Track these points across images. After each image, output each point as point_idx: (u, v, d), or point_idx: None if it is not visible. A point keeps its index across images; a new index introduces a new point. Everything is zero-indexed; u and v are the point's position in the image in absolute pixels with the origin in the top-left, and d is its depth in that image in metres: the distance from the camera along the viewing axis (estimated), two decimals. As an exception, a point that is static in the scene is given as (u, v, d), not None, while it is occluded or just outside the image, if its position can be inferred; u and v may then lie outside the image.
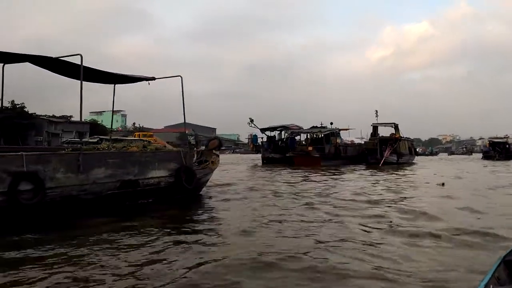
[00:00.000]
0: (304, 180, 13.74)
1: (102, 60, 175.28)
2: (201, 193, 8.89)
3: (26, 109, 55.36)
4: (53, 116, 67.37)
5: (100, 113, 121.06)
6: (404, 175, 16.05)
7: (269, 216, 6.31)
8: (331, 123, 28.86)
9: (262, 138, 29.74)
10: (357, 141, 31.50)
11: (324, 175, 16.42)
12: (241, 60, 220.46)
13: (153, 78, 7.76)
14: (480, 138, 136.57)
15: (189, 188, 7.39)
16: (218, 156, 9.23)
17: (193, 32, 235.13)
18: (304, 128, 29.74)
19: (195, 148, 9.16)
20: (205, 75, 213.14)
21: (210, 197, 8.54)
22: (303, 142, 28.58)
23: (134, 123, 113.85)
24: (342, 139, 30.32)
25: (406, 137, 30.73)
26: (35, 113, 58.27)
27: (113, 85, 8.29)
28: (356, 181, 13.71)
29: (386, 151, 26.62)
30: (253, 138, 30.06)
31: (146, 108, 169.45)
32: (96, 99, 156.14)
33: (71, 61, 6.22)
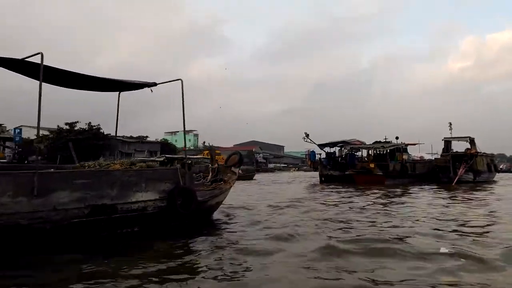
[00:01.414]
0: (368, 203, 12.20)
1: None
2: (214, 217, 7.81)
3: (101, 130, 58.72)
4: (128, 137, 71.03)
5: (174, 133, 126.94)
6: (480, 199, 13.72)
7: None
8: (397, 138, 26.58)
9: (320, 154, 28.19)
10: (427, 157, 28.68)
11: (388, 196, 14.69)
12: (309, 77, 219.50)
13: (155, 84, 7.05)
14: None
15: (185, 213, 6.15)
16: (235, 174, 8.13)
17: (261, 51, 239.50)
18: (367, 144, 27.74)
19: (210, 165, 8.08)
20: (273, 94, 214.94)
21: (222, 226, 7.13)
22: (365, 159, 26.59)
23: (204, 142, 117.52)
24: (409, 155, 27.81)
25: (484, 152, 27.36)
26: (110, 134, 61.81)
27: (118, 93, 7.69)
28: (420, 205, 11.89)
29: (460, 168, 23.78)
30: (311, 154, 28.59)
31: (219, 128, 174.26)
32: (169, 121, 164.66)
33: (47, 64, 5.31)
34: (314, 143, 27.21)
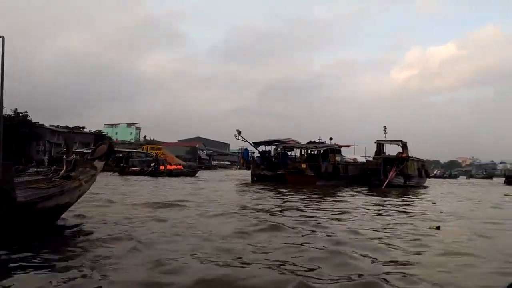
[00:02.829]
0: (277, 205, 11.06)
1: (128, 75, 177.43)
2: (66, 224, 6.05)
3: (29, 118, 54.26)
4: (58, 126, 66.38)
5: (115, 125, 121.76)
6: (401, 204, 13.08)
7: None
8: (331, 138, 26.07)
9: (253, 153, 27.07)
10: (360, 159, 28.52)
11: (308, 198, 13.72)
12: (261, 79, 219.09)
13: None
14: (501, 162, 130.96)
15: None
16: (95, 168, 6.40)
17: (216, 49, 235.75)
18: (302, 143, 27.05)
19: (64, 156, 6.34)
20: (224, 92, 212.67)
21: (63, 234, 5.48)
22: (298, 159, 25.85)
23: (145, 136, 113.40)
24: (343, 156, 27.46)
25: (416, 157, 27.65)
26: (38, 122, 57.25)
27: None
28: (336, 207, 10.95)
29: (391, 172, 23.66)
30: (244, 152, 27.42)
31: (166, 123, 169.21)
32: (112, 112, 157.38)
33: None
34: (247, 141, 26.11)
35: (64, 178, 5.84)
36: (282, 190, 17.14)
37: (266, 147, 27.98)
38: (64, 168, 6.05)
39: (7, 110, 50.67)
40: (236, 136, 25.11)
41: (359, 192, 18.14)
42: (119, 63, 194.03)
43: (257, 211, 9.08)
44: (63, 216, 6.09)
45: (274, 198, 13.23)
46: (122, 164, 35.11)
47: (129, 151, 48.91)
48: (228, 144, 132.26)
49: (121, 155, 45.24)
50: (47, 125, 58.95)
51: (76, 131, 62.76)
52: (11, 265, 3.89)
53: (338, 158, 25.59)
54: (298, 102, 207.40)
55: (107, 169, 37.11)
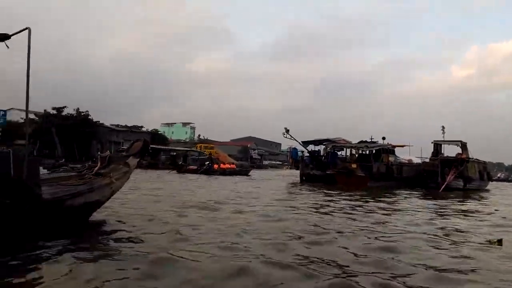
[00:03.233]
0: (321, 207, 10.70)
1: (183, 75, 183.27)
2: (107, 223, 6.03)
3: (90, 117, 57.02)
4: (117, 125, 69.60)
5: (171, 124, 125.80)
6: (459, 211, 12.10)
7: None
8: (383, 138, 25.02)
9: (302, 152, 26.60)
10: (416, 160, 27.13)
11: (358, 200, 13.19)
12: (313, 77, 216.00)
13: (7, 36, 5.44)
14: None
15: (17, 214, 4.25)
16: (129, 165, 6.21)
17: (267, 48, 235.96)
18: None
19: (98, 153, 6.40)
20: (276, 91, 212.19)
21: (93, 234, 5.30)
22: (348, 159, 25.08)
23: (199, 135, 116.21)
24: (397, 157, 26.25)
25: (477, 159, 25.81)
26: (98, 121, 60.18)
27: None
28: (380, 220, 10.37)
29: (450, 174, 22.25)
30: (292, 152, 27.05)
31: (218, 122, 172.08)
32: (168, 111, 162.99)
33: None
34: (296, 140, 25.67)
35: (96, 175, 5.86)
36: (330, 191, 16.64)
37: (316, 146, 27.42)
38: (99, 164, 6.06)
39: (70, 110, 53.93)
40: (284, 134, 24.74)
41: (414, 195, 17.19)
42: (170, 63, 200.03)
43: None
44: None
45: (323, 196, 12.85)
46: (180, 163, 36.49)
47: (177, 149, 50.32)
48: (280, 144, 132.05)
49: (175, 154, 46.62)
50: (107, 124, 61.88)
51: (134, 130, 65.46)
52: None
53: (391, 158, 24.50)
54: (350, 101, 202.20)
55: (164, 167, 38.71)
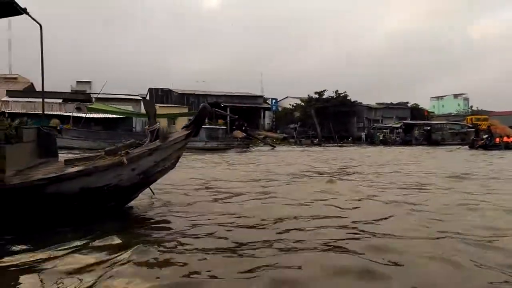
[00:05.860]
0: None
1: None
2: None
3: (348, 98, 59.36)
4: (376, 104, 69.60)
5: (441, 98, 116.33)
6: None
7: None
8: None
9: None
10: None
11: None
12: None
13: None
14: None
15: None
16: (165, 139, 4.82)
17: None
18: None
19: (146, 127, 5.12)
20: None
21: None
22: None
23: (471, 107, 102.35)
24: None
25: None
26: (356, 101, 61.90)
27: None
28: None
29: None
30: None
31: (496, 91, 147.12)
32: (440, 86, 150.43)
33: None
34: None
35: (107, 153, 4.72)
36: None
37: None
38: (148, 139, 4.95)
39: (330, 92, 57.59)
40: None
41: None
42: (444, 33, 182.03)
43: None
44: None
45: None
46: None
47: (431, 123, 45.41)
48: None
49: (429, 128, 42.85)
50: (364, 103, 62.79)
51: (392, 107, 63.85)
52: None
53: None
54: None
55: (417, 144, 36.00)
